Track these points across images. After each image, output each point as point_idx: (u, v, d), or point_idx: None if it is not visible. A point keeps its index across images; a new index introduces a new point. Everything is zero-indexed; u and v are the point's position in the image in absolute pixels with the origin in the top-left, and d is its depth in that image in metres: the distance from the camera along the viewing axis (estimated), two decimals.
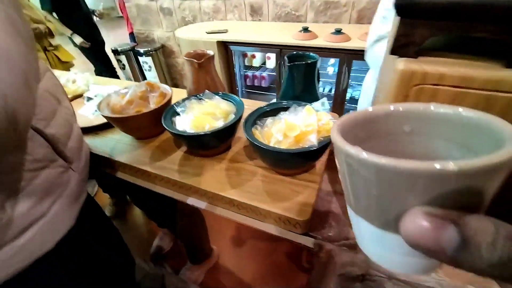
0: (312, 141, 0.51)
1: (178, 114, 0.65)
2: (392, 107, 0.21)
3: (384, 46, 0.45)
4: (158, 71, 2.86)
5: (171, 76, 3.11)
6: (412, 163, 0.13)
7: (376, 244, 0.19)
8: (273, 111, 0.62)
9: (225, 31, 2.08)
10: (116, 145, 0.74)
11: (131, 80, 2.92)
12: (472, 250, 0.12)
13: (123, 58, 2.80)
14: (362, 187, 0.17)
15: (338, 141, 0.17)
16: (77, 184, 0.57)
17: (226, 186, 0.58)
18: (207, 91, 0.69)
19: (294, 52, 0.70)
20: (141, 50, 2.69)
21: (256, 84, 2.31)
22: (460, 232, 0.12)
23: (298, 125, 0.53)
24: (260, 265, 1.44)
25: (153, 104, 0.70)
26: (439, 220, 0.13)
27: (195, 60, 0.69)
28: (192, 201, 0.62)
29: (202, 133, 0.56)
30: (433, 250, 0.13)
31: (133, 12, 2.82)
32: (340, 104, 1.91)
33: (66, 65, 2.09)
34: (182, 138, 0.61)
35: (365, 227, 0.18)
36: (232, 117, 0.62)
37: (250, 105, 0.83)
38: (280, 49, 1.86)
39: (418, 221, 0.13)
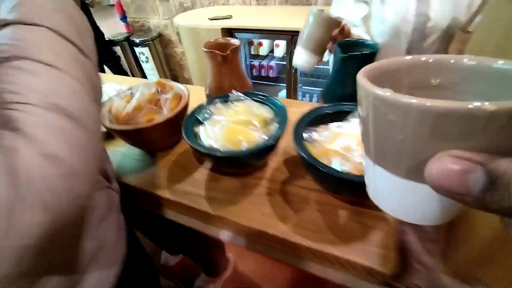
0: None
1: (201, 123, 0.50)
2: (422, 58, 0.19)
3: None
4: (156, 63, 2.66)
5: (169, 68, 2.91)
6: (444, 102, 0.13)
7: (394, 195, 0.18)
8: (327, 116, 0.48)
9: (229, 17, 1.89)
10: (123, 161, 0.59)
11: (127, 73, 2.73)
12: (500, 190, 0.11)
13: (117, 49, 2.59)
14: (388, 133, 0.16)
15: (366, 84, 0.16)
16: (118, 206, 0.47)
17: (272, 219, 0.44)
18: (234, 91, 0.54)
19: (347, 40, 0.55)
20: (137, 40, 2.48)
21: (263, 74, 2.14)
22: (488, 172, 0.12)
23: None
24: (284, 271, 1.33)
25: (166, 110, 0.55)
26: (466, 162, 0.12)
27: (219, 52, 0.53)
28: (226, 236, 0.49)
29: (241, 153, 0.41)
30: (458, 191, 0.12)
31: None
32: None
33: None
34: (214, 159, 0.46)
35: (385, 178, 0.18)
36: (274, 126, 0.47)
37: None
38: (291, 36, 1.68)
39: (444, 163, 0.13)
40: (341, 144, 0.41)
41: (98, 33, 2.37)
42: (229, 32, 1.85)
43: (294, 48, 1.73)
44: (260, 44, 2.03)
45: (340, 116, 0.47)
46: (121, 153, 0.61)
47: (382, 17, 0.75)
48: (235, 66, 0.58)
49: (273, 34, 1.75)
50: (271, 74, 2.13)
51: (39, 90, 0.26)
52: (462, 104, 0.12)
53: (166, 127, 0.52)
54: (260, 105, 0.52)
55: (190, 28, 1.86)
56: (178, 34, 2.58)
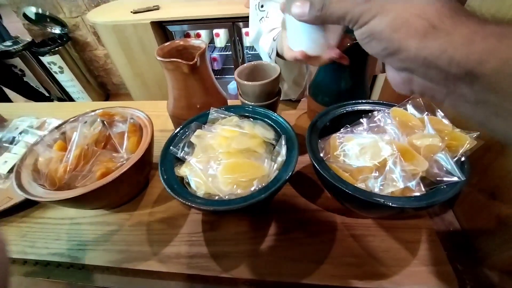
0: (444, 169, 0.31)
1: (179, 160, 0.37)
2: None
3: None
4: (75, 72, 2.21)
5: (93, 75, 2.46)
6: None
7: (291, 32, 0.33)
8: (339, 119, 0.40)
9: (157, 8, 1.64)
10: (76, 232, 0.42)
11: (39, 92, 2.21)
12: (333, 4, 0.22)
13: (17, 61, 2.06)
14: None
15: None
16: None
17: (303, 263, 0.36)
18: (214, 109, 0.42)
19: None
20: (42, 48, 2.00)
21: None
22: None
23: (420, 145, 0.32)
24: None
25: (124, 150, 0.40)
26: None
27: (184, 62, 0.40)
28: None
29: (260, 197, 0.30)
30: (304, 13, 0.25)
31: None
32: None
33: None
34: (225, 213, 0.35)
35: (290, 21, 0.31)
36: (279, 148, 0.37)
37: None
38: (232, 23, 1.55)
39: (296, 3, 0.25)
40: (369, 157, 0.34)
41: None
42: (159, 25, 1.61)
43: (238, 35, 1.61)
44: (198, 36, 1.84)
45: (349, 117, 0.40)
46: (68, 219, 0.44)
47: None
48: (206, 76, 0.45)
49: (211, 23, 1.58)
50: (216, 66, 1.98)
51: None
52: None
53: (131, 176, 0.38)
54: (251, 122, 0.41)
55: (111, 26, 1.56)
56: (95, 33, 2.18)
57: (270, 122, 0.41)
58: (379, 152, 0.33)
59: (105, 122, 0.42)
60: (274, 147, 0.39)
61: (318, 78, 0.49)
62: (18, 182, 0.36)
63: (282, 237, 0.38)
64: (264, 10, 0.74)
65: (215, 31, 1.82)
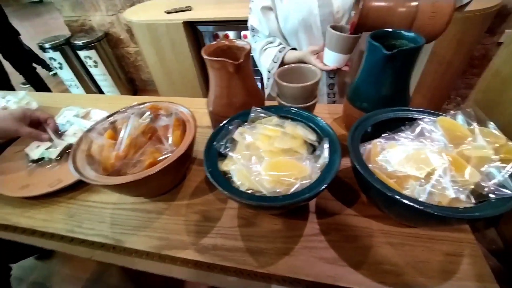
0: (497, 181, 0.30)
1: (222, 155, 0.39)
2: None
3: None
4: (107, 66, 2.32)
5: (123, 71, 2.58)
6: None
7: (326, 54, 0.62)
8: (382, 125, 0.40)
9: (189, 9, 1.69)
10: (119, 217, 0.45)
11: (74, 83, 2.35)
12: None
13: (57, 55, 2.20)
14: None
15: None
16: None
17: (339, 265, 0.36)
18: (256, 108, 0.43)
19: (377, 32, 0.46)
20: (80, 43, 2.12)
21: None
22: None
23: (470, 156, 0.32)
24: None
25: (168, 143, 0.42)
26: None
27: (230, 61, 0.41)
28: None
29: (301, 197, 0.31)
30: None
31: None
32: None
33: None
34: (269, 209, 0.36)
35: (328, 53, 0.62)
36: (321, 150, 0.37)
37: None
38: None
39: None
40: (415, 165, 0.33)
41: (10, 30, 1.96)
42: (190, 25, 1.67)
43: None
44: (227, 36, 1.87)
45: (390, 124, 0.40)
46: (111, 205, 0.47)
47: (287, 15, 0.73)
48: (248, 76, 0.46)
49: (240, 25, 1.61)
50: None
51: None
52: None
53: (175, 167, 0.40)
54: (293, 122, 0.42)
55: (145, 25, 1.63)
56: (128, 31, 2.28)
57: (311, 124, 0.41)
58: (427, 161, 0.33)
59: (151, 114, 0.45)
60: (314, 149, 0.39)
61: (358, 83, 0.49)
62: (74, 165, 0.39)
63: (318, 239, 0.39)
64: (255, 32, 0.84)
65: (243, 32, 1.84)
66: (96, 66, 2.27)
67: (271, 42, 0.82)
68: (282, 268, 0.36)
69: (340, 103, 0.81)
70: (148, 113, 0.44)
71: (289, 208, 0.41)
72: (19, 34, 2.09)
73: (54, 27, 4.77)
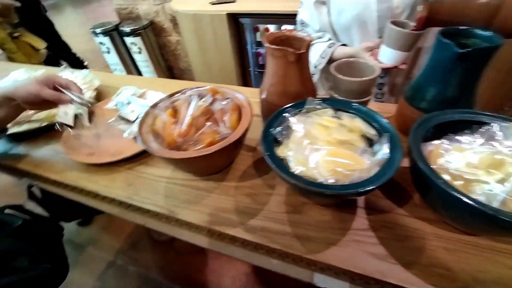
0: None
1: (276, 142, 0.40)
2: None
3: None
4: (150, 53, 2.44)
5: (163, 58, 2.69)
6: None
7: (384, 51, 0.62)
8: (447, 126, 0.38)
9: (233, 0, 1.72)
10: (172, 191, 0.48)
11: (118, 67, 2.50)
12: None
13: (105, 40, 2.36)
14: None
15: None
16: None
17: (388, 262, 0.35)
18: (313, 99, 0.43)
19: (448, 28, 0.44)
20: (127, 29, 2.25)
21: None
22: None
23: None
24: None
25: (225, 126, 0.44)
26: None
27: (292, 50, 0.42)
28: (322, 282, 0.40)
29: (365, 188, 0.31)
30: None
31: None
32: None
33: (40, 55, 1.67)
34: (330, 197, 0.36)
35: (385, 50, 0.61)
36: (380, 146, 0.37)
37: None
38: None
39: None
40: (483, 170, 0.32)
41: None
42: (232, 17, 1.69)
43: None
44: (267, 30, 1.88)
45: (452, 126, 0.38)
46: (165, 179, 0.50)
47: (342, 8, 0.71)
48: (305, 67, 0.47)
49: (283, 18, 1.60)
50: None
51: None
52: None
53: (231, 148, 0.41)
54: (350, 115, 0.42)
55: (191, 15, 1.69)
56: (171, 21, 2.37)
57: (369, 119, 0.41)
58: (501, 166, 0.31)
59: (211, 97, 0.47)
60: (371, 144, 0.39)
61: (420, 81, 0.47)
62: (142, 137, 0.42)
63: (367, 234, 0.39)
64: (304, 26, 0.84)
65: (283, 26, 1.83)
66: (140, 53, 2.39)
67: (319, 38, 0.81)
68: (329, 257, 0.36)
69: (388, 103, 0.79)
70: (209, 95, 0.46)
71: (346, 198, 0.41)
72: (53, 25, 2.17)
73: (100, 14, 5.10)
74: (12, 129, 0.62)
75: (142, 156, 0.54)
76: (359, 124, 0.39)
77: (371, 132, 0.39)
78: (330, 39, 0.79)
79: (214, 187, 0.47)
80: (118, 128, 0.60)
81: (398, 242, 0.37)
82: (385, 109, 0.62)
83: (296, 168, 0.36)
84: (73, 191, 0.54)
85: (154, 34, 2.48)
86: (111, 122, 0.61)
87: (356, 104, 0.43)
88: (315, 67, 0.81)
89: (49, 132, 0.64)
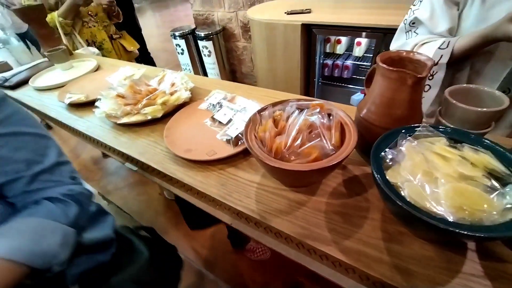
0: None
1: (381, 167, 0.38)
2: None
3: None
4: (217, 57, 2.62)
5: (229, 62, 2.85)
6: None
7: None
8: None
9: (309, 11, 1.73)
10: (262, 197, 0.50)
11: (188, 68, 2.73)
12: None
13: (181, 42, 2.59)
14: None
15: None
16: None
17: None
18: (426, 125, 0.41)
19: None
20: (202, 34, 2.45)
21: (336, 74, 1.96)
22: None
23: None
24: None
25: (328, 142, 0.44)
26: None
27: (414, 74, 0.40)
28: None
29: (502, 233, 0.28)
30: None
31: None
32: None
33: (130, 55, 1.92)
34: (451, 235, 0.34)
35: None
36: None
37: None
38: (384, 34, 1.48)
39: None
40: None
41: None
42: (305, 27, 1.70)
43: (385, 48, 1.53)
44: (339, 42, 1.85)
45: None
46: (255, 184, 0.52)
47: (484, 19, 0.62)
48: (420, 91, 0.45)
49: (358, 31, 1.56)
50: (345, 74, 1.95)
51: None
52: None
53: (334, 167, 0.41)
54: (473, 148, 0.38)
55: (265, 23, 1.75)
56: (242, 27, 2.50)
57: (494, 154, 0.37)
58: None
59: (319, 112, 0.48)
60: (501, 183, 0.35)
61: None
62: (247, 142, 0.45)
63: (482, 282, 0.35)
64: (415, 27, 0.77)
65: (357, 39, 1.78)
66: (209, 56, 2.57)
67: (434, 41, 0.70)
68: None
69: None
70: (316, 110, 0.47)
71: (472, 241, 0.38)
72: (141, 30, 2.48)
73: (176, 18, 5.63)
74: (123, 119, 0.72)
75: (232, 159, 0.58)
76: (487, 159, 0.36)
77: (503, 170, 0.35)
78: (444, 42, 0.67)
79: (305, 200, 0.48)
80: (211, 128, 0.66)
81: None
82: (497, 141, 0.55)
83: (410, 198, 0.34)
84: (169, 181, 0.60)
85: (224, 39, 2.63)
86: (206, 122, 0.67)
87: (479, 136, 0.39)
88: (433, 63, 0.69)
89: (151, 124, 0.72)
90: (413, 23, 0.77)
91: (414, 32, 0.76)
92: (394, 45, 0.83)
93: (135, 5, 2.62)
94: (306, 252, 0.44)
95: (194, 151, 0.60)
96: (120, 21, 1.78)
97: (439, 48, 0.67)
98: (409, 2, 0.75)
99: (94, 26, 1.66)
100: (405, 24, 0.78)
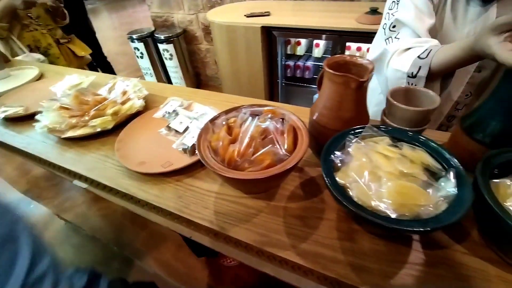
0: None
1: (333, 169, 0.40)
2: None
3: None
4: (180, 60, 2.54)
5: (192, 65, 2.79)
6: None
7: None
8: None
9: (268, 14, 1.75)
10: (221, 206, 0.49)
11: (149, 72, 2.61)
12: None
13: (140, 46, 2.47)
14: None
15: None
16: None
17: None
18: (372, 126, 0.43)
19: None
20: (162, 37, 2.35)
21: (298, 75, 2.01)
22: None
23: None
24: None
25: (282, 147, 0.45)
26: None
27: (357, 78, 0.42)
28: None
29: (437, 225, 0.31)
30: None
31: None
32: None
33: (82, 61, 1.77)
34: (396, 231, 0.36)
35: None
36: (445, 181, 0.36)
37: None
38: (339, 35, 1.55)
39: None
40: None
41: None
42: (266, 30, 1.72)
43: (341, 49, 1.61)
44: (298, 43, 1.90)
45: None
46: (213, 194, 0.51)
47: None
48: (364, 94, 0.47)
49: (316, 33, 1.61)
50: (307, 75, 2.01)
51: None
52: None
53: (289, 172, 0.42)
54: (411, 146, 0.41)
55: (225, 26, 1.74)
56: (203, 30, 2.46)
57: (429, 150, 0.40)
58: None
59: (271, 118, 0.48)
60: (435, 178, 0.38)
61: (485, 112, 0.45)
62: (200, 153, 0.43)
63: (426, 270, 0.37)
64: (395, 31, 0.72)
65: (315, 41, 1.85)
66: (171, 59, 2.48)
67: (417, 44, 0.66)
68: None
69: None
70: (267, 116, 0.47)
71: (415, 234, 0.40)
72: (95, 33, 2.35)
73: (134, 20, 5.36)
74: (68, 133, 0.66)
75: (189, 169, 0.56)
76: (423, 156, 0.39)
77: (435, 165, 0.38)
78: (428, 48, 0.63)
79: (263, 206, 0.48)
80: (167, 138, 0.63)
81: (461, 281, 0.36)
82: (435, 136, 0.60)
83: (357, 198, 0.36)
84: (123, 198, 0.56)
85: (185, 42, 2.57)
86: (161, 131, 0.64)
87: (415, 135, 0.42)
88: (410, 75, 0.64)
89: (101, 137, 0.67)
90: (394, 26, 0.71)
91: (395, 37, 0.71)
92: (373, 54, 0.77)
93: (88, 6, 2.45)
94: (266, 259, 0.44)
95: (149, 163, 0.57)
96: (67, 23, 1.64)
97: (418, 57, 0.62)
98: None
99: (37, 29, 1.51)
100: (384, 29, 0.73)
